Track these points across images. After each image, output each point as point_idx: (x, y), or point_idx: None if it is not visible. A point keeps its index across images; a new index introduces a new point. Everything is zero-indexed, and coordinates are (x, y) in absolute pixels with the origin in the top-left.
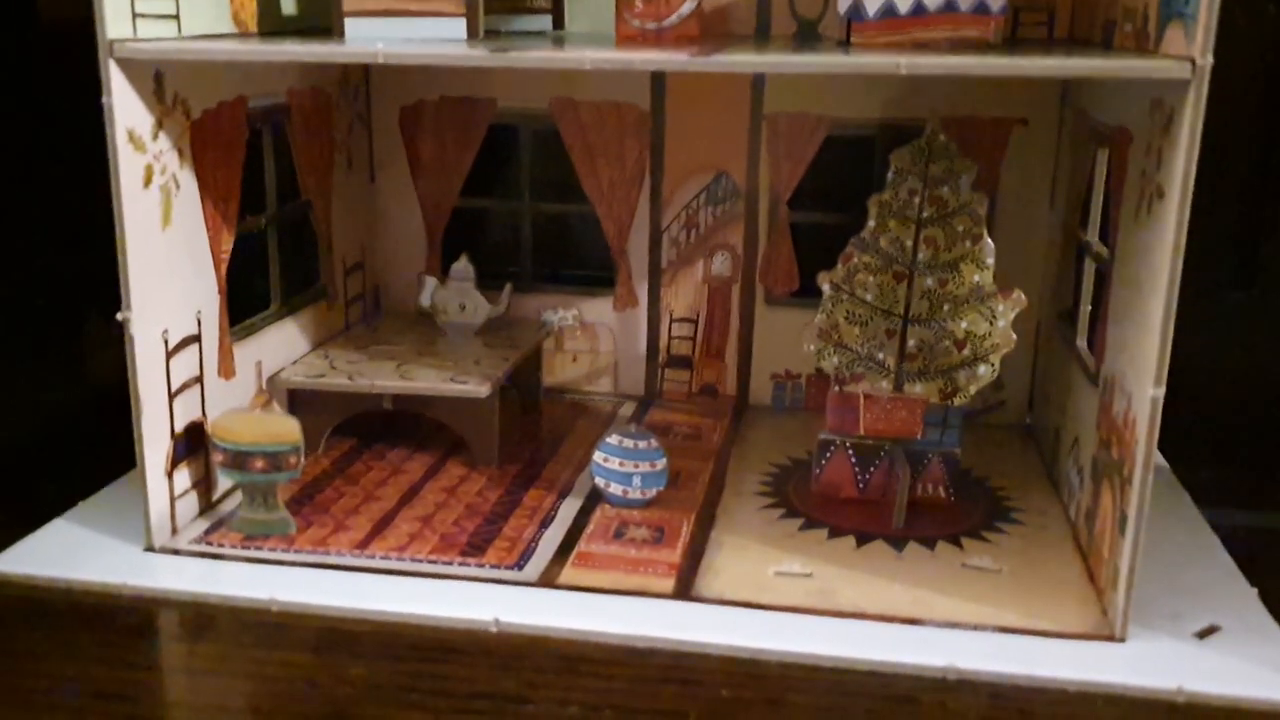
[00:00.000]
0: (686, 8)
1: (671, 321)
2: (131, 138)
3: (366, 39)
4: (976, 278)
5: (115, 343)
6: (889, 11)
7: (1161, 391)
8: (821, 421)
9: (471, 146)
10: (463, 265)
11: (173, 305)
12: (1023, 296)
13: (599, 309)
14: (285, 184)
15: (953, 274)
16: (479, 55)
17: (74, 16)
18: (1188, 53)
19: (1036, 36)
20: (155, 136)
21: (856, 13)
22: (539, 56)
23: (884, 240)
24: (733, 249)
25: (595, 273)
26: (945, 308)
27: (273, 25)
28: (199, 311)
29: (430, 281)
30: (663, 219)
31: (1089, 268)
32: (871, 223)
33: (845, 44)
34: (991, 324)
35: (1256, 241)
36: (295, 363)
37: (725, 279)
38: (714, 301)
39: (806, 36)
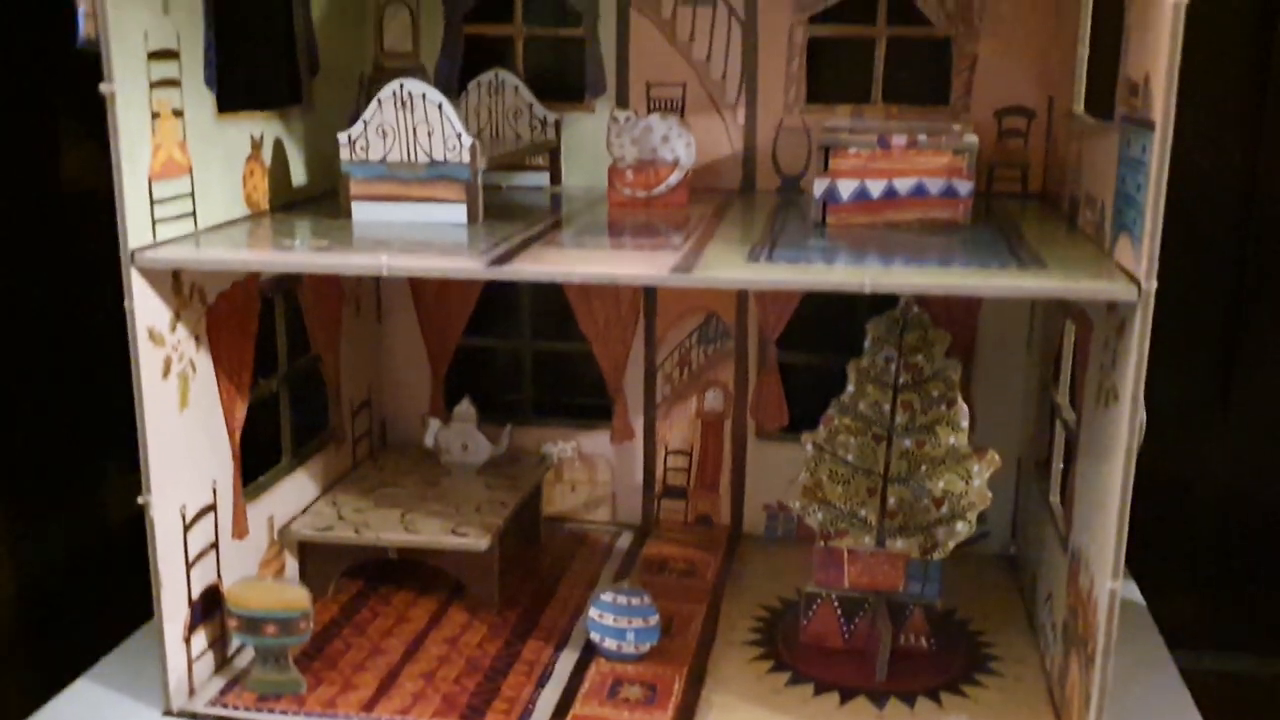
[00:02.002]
0: (674, 178)
1: (667, 454)
2: (151, 335)
3: (372, 222)
4: (952, 440)
5: (133, 487)
6: (862, 195)
7: (1119, 585)
8: (811, 552)
9: (474, 288)
10: (465, 407)
11: (190, 481)
12: (996, 457)
13: (597, 441)
14: (296, 341)
15: (929, 436)
16: (477, 268)
17: (95, 186)
18: (1135, 270)
19: (1010, 190)
20: (173, 329)
21: (831, 195)
22: (533, 270)
23: (863, 404)
24: (724, 386)
25: (593, 405)
26: (923, 468)
27: (285, 199)
28: (214, 481)
29: (434, 423)
30: (657, 357)
31: (1060, 428)
32: (851, 387)
33: (821, 224)
34: (968, 483)
35: (1231, 366)
36: (305, 512)
37: (718, 414)
38: (707, 435)
39: (789, 191)
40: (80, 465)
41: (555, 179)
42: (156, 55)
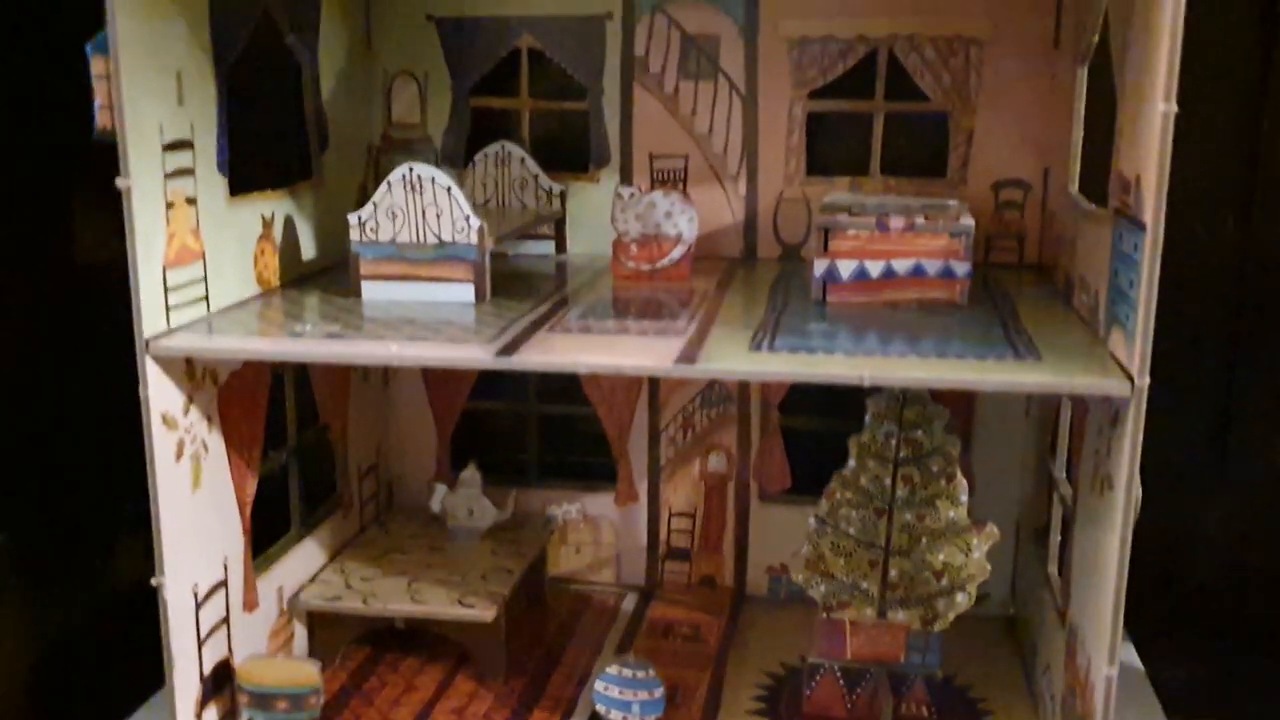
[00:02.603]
0: (677, 252)
1: (670, 516)
2: (165, 420)
3: (381, 301)
4: (951, 513)
5: (144, 552)
6: (861, 275)
7: (1115, 671)
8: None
9: None
10: (470, 473)
11: (202, 560)
12: (995, 530)
13: (601, 503)
14: (305, 412)
15: (929, 510)
16: (485, 359)
17: (107, 259)
18: (1129, 364)
19: (1007, 261)
20: (186, 412)
21: (831, 275)
22: (540, 360)
23: (864, 478)
24: (727, 449)
25: (597, 467)
26: (924, 541)
27: (295, 274)
28: (225, 557)
29: (440, 489)
30: (660, 420)
31: (1057, 501)
32: (852, 462)
33: (822, 302)
34: (967, 556)
35: (1227, 428)
36: (313, 580)
37: (721, 476)
38: (711, 497)
39: (790, 259)
40: (91, 531)
41: (560, 247)
42: (171, 146)
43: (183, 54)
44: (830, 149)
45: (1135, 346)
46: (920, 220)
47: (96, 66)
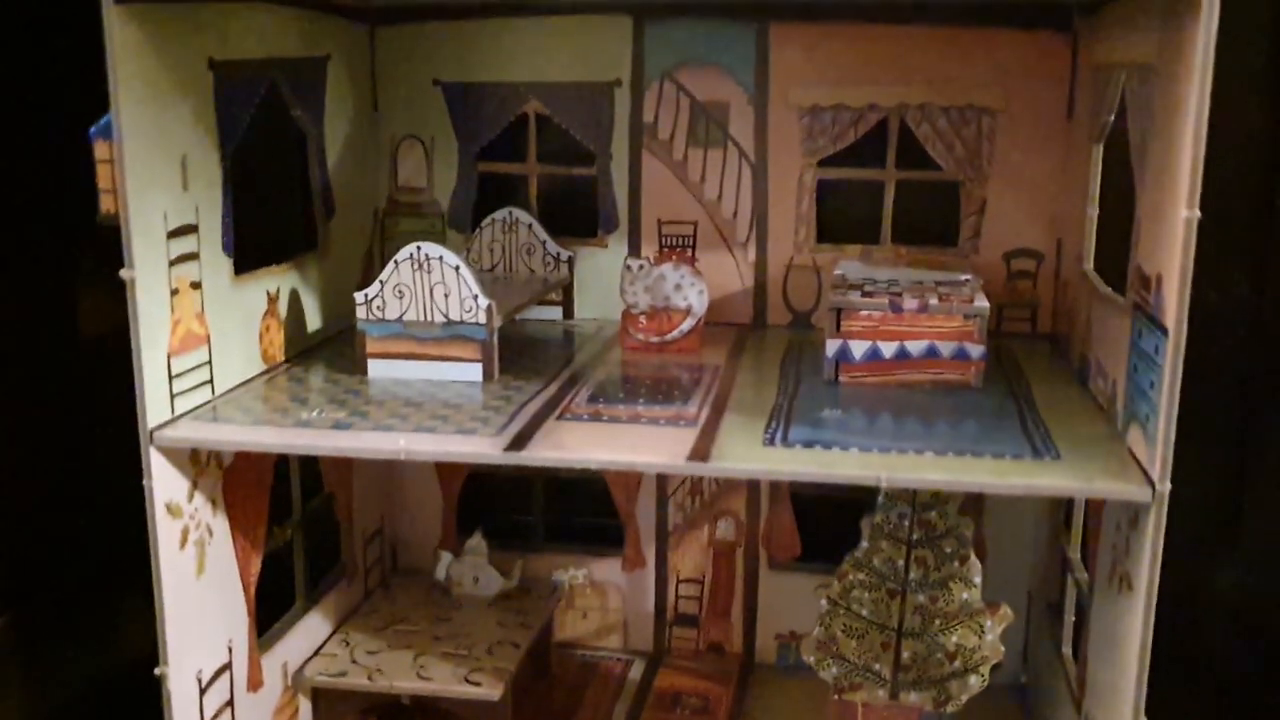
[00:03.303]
0: (686, 325)
1: (678, 582)
2: (169, 508)
3: (388, 380)
4: (965, 595)
5: (148, 621)
6: (874, 355)
7: None
8: (824, 688)
9: None
10: (476, 541)
11: (206, 644)
12: (1009, 612)
13: (608, 569)
14: (309, 484)
15: (943, 591)
16: (494, 454)
17: (109, 331)
18: (1149, 466)
19: (1020, 331)
20: (191, 498)
21: (844, 355)
22: (551, 456)
23: (877, 559)
24: (736, 515)
25: (604, 531)
26: (937, 622)
27: (301, 346)
28: (230, 640)
29: (446, 556)
30: (668, 486)
31: (1071, 583)
32: (865, 543)
33: (834, 382)
34: (980, 638)
35: (1241, 491)
36: (317, 654)
37: (730, 543)
38: (719, 564)
39: (800, 326)
40: (93, 612)
41: (568, 313)
42: (176, 233)
43: (188, 138)
44: (841, 217)
45: (1156, 451)
46: (934, 301)
47: (100, 151)
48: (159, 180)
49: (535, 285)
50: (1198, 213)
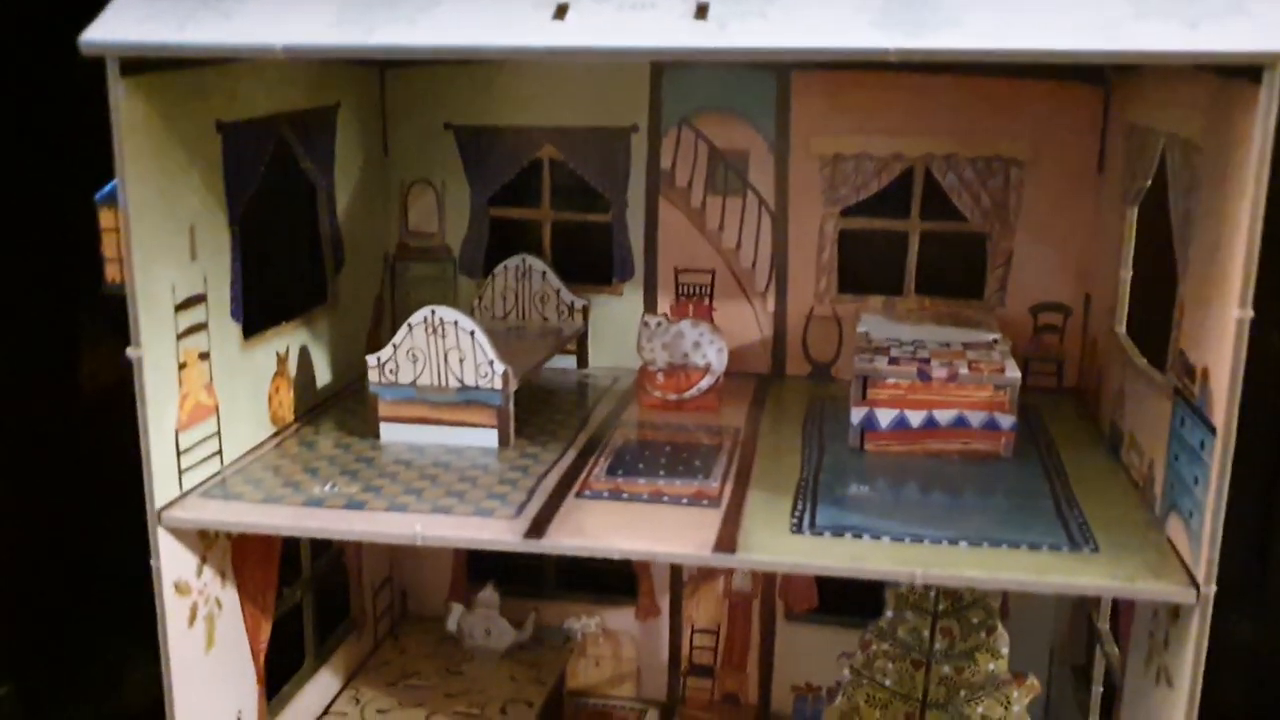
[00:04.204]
0: (705, 383)
1: (693, 632)
2: (178, 587)
3: (401, 445)
4: (991, 666)
5: (153, 675)
6: (901, 424)
7: None
8: None
9: None
10: (488, 594)
11: (216, 717)
12: (1036, 683)
13: (621, 618)
14: (319, 540)
15: (969, 662)
16: (513, 541)
17: (111, 382)
18: (1192, 563)
19: (1045, 385)
20: (199, 574)
21: (869, 423)
22: (570, 545)
23: (902, 630)
24: None
25: (617, 578)
26: (962, 693)
27: (311, 403)
28: (239, 711)
29: (457, 609)
30: None
31: (1100, 654)
32: (889, 613)
33: (860, 450)
34: (1006, 709)
35: (1268, 544)
36: (327, 712)
37: (746, 594)
38: (735, 615)
39: (821, 377)
40: (100, 652)
41: (582, 361)
42: (184, 305)
43: (196, 205)
44: (863, 266)
45: (1202, 553)
46: (964, 371)
47: (105, 219)
48: (167, 253)
49: (550, 339)
50: (1250, 312)
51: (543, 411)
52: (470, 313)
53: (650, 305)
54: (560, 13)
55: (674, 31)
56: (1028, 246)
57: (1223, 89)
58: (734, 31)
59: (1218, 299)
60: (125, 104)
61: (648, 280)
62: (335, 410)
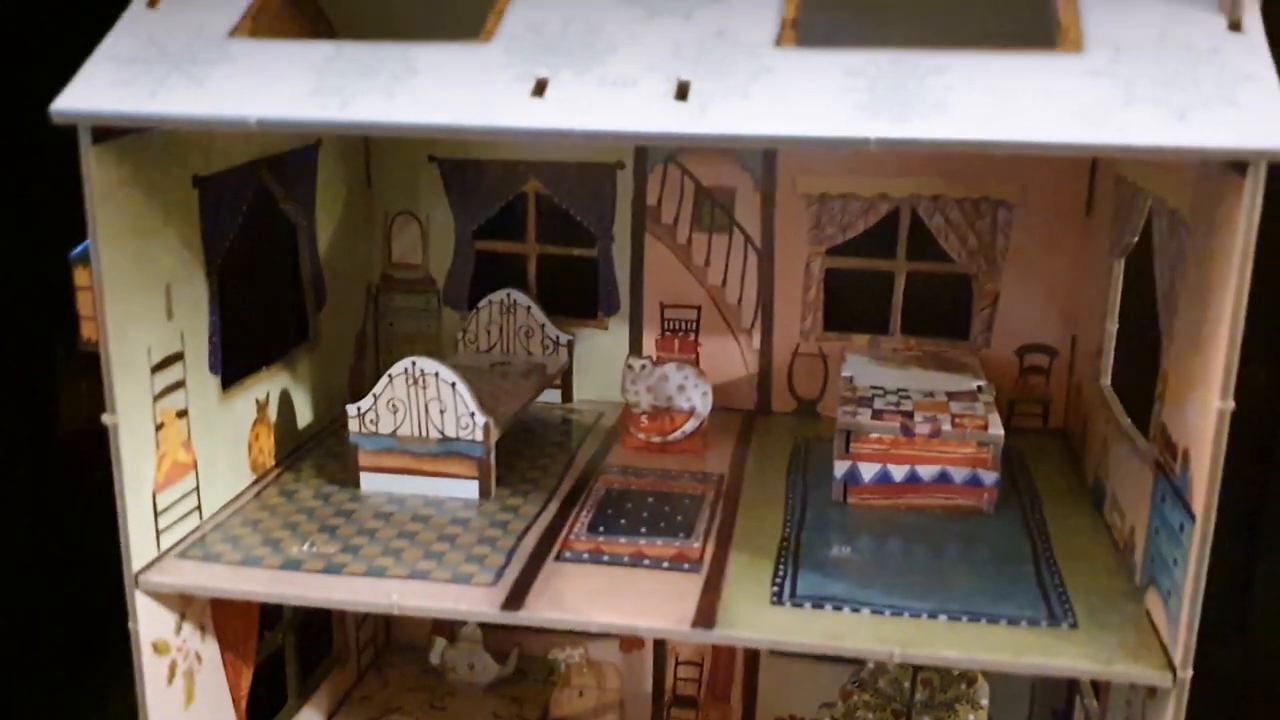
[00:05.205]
0: (689, 426)
1: (677, 664)
2: (156, 648)
3: (381, 496)
4: (971, 717)
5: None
6: (884, 479)
7: None
8: None
9: None
10: (471, 628)
11: None
12: None
13: (605, 649)
14: None
15: (949, 714)
16: (491, 613)
17: (90, 430)
18: (1169, 643)
19: (1031, 426)
20: (179, 631)
21: (853, 477)
22: (547, 618)
23: (882, 680)
24: None
25: None
26: None
27: (291, 446)
28: None
29: (440, 643)
30: None
31: (1079, 706)
32: (870, 664)
33: (843, 503)
34: None
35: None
36: None
37: None
38: (719, 647)
39: (805, 415)
40: (79, 689)
41: (566, 395)
42: (161, 365)
43: (172, 263)
44: (849, 305)
45: (1179, 636)
46: (947, 428)
47: (79, 277)
48: (143, 314)
49: (534, 378)
50: (1231, 404)
51: (525, 454)
52: (455, 346)
53: (636, 340)
54: (540, 89)
55: (655, 115)
56: (1015, 287)
57: (1210, 171)
58: (715, 114)
59: (1200, 384)
60: (97, 171)
61: (633, 315)
62: (316, 453)
